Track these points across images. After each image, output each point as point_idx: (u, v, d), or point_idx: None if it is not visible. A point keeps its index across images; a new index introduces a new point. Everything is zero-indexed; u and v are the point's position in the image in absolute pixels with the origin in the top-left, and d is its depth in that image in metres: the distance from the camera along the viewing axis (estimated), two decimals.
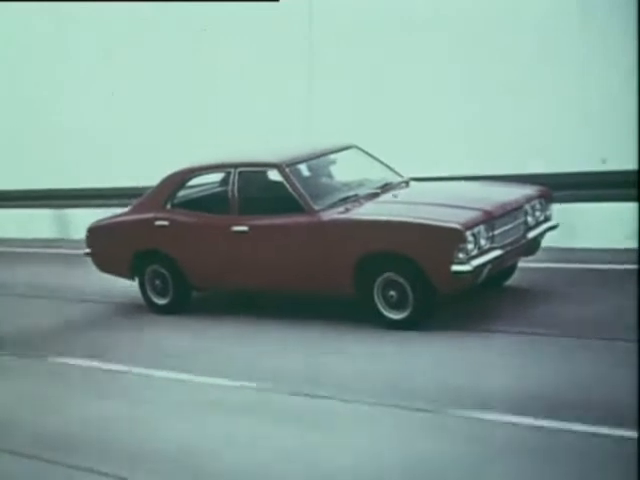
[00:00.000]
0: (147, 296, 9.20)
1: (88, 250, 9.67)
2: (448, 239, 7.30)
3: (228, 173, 8.71)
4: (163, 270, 9.00)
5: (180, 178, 9.08)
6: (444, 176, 9.72)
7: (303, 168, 8.60)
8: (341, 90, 11.61)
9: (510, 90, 10.37)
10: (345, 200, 8.21)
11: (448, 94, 10.79)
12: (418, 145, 10.79)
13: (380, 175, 8.81)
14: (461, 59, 10.70)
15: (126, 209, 9.63)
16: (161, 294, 9.10)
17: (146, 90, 13.51)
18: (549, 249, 8.77)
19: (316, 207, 8.03)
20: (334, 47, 11.68)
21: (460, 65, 10.71)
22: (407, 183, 8.81)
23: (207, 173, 9.19)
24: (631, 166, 9.03)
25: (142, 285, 9.21)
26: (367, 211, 7.98)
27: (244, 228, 8.33)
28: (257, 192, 8.48)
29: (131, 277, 9.32)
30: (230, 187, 8.55)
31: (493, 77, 10.53)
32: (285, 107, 12.04)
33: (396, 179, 8.81)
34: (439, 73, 10.88)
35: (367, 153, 8.99)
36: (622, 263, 8.79)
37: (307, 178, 8.48)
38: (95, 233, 9.67)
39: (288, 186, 8.15)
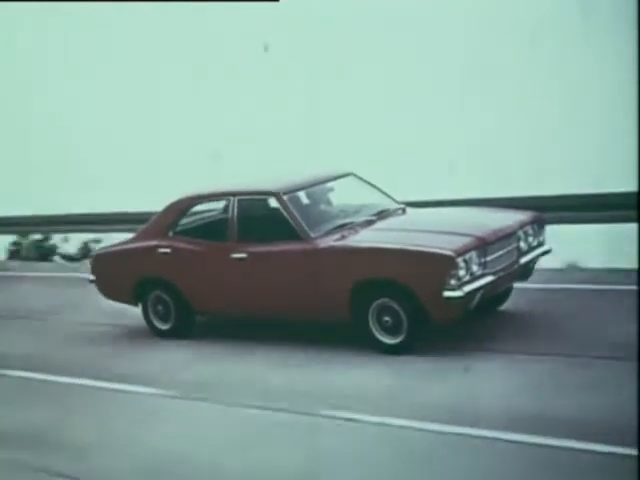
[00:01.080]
0: (149, 320, 9.39)
1: (92, 277, 9.87)
2: (440, 265, 7.44)
3: (228, 201, 8.92)
4: (166, 296, 9.18)
5: (183, 206, 9.28)
6: (440, 200, 9.87)
7: (301, 196, 8.79)
8: (340, 91, 11.78)
9: (509, 89, 10.51)
10: (341, 227, 8.37)
11: (447, 94, 10.95)
12: (416, 141, 10.99)
13: (377, 202, 8.98)
14: (461, 59, 10.85)
15: (130, 236, 9.85)
16: (164, 319, 9.30)
17: (143, 96, 13.72)
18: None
19: (312, 234, 8.19)
20: (333, 48, 11.84)
21: (459, 65, 10.86)
22: (403, 210, 8.97)
23: (208, 201, 9.40)
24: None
25: (145, 310, 9.40)
26: (362, 238, 8.14)
27: (242, 255, 8.52)
28: (256, 220, 8.63)
29: (135, 304, 9.51)
30: (230, 215, 8.75)
31: (492, 77, 10.67)
32: (284, 106, 12.21)
33: (393, 206, 8.99)
34: (438, 73, 11.03)
35: (364, 181, 9.17)
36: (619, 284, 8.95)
37: (304, 206, 8.65)
38: (100, 260, 9.88)
39: (285, 214, 8.33)
